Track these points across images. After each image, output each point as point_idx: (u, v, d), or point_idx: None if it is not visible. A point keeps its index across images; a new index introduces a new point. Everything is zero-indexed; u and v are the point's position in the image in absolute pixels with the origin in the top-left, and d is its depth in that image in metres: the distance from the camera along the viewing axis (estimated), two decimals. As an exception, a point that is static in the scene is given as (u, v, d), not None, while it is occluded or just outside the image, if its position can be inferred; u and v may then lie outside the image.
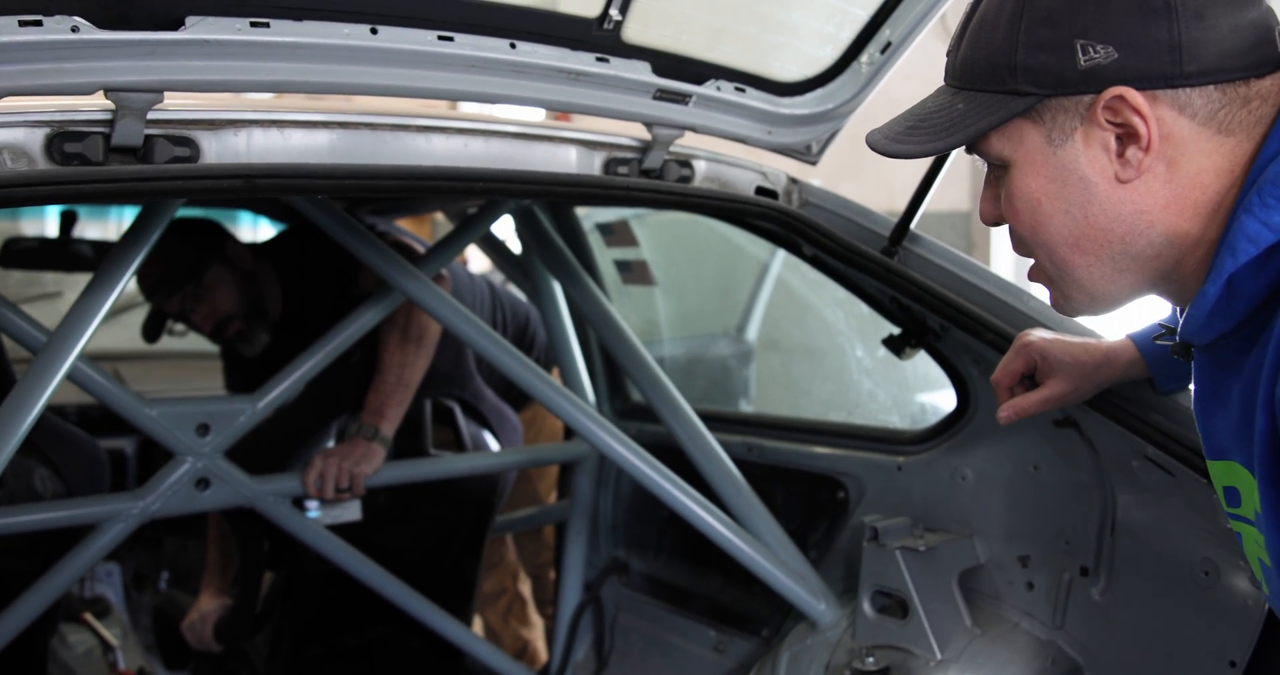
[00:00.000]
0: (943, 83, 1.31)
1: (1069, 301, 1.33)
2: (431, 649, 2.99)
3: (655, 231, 3.51)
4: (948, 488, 2.31)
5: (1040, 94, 1.19)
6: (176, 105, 1.65)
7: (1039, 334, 1.80)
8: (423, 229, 5.67)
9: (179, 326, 3.03)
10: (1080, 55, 1.15)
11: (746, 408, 4.08)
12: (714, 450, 2.52)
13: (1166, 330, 1.64)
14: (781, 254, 3.96)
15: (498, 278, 3.76)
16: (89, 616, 3.19)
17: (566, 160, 1.98)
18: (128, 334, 4.22)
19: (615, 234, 2.91)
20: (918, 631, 2.18)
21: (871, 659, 2.20)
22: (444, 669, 3.13)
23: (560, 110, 1.91)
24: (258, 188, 1.63)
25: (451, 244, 2.65)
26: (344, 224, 2.37)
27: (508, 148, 1.90)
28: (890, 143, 1.30)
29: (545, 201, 2.50)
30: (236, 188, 1.62)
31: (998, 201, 1.31)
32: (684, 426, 2.54)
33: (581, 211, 3.05)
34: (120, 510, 2.39)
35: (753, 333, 4.10)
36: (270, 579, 2.96)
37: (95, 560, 2.42)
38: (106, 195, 1.58)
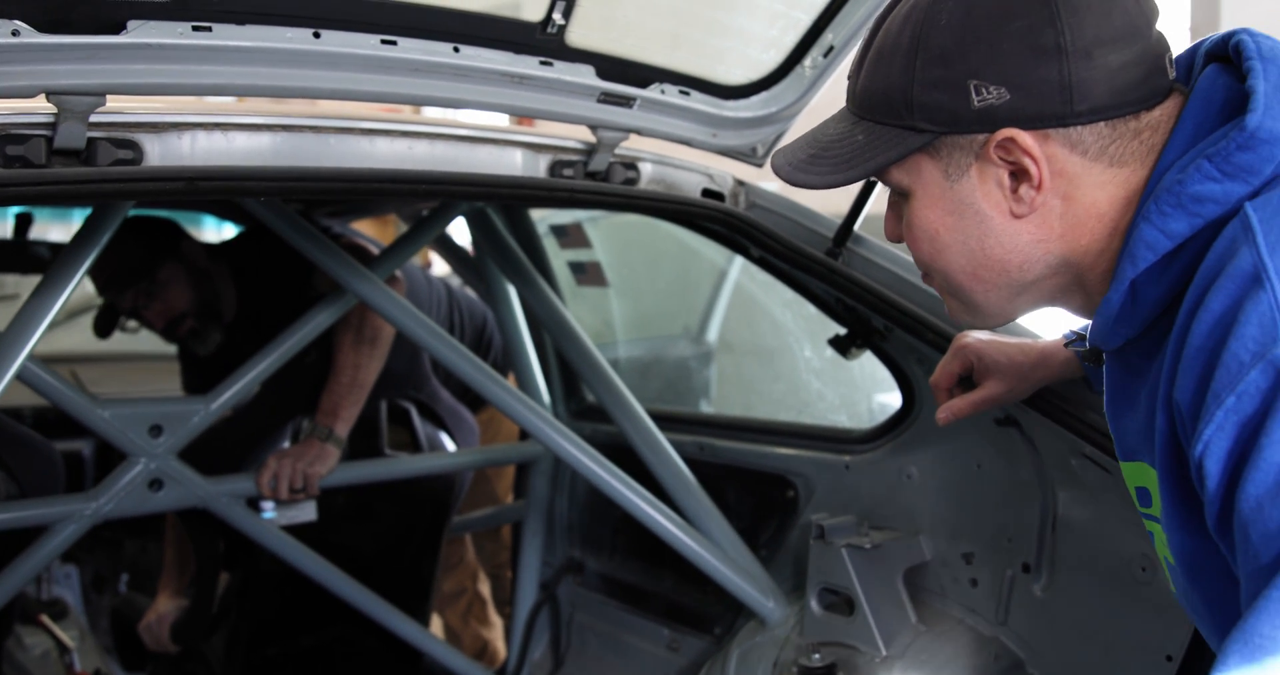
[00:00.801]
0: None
1: (964, 318, 1.37)
2: (389, 649, 3.01)
3: (610, 233, 3.54)
4: (894, 486, 2.34)
5: (935, 131, 1.22)
6: (120, 107, 1.66)
7: (976, 336, 1.83)
8: (386, 232, 5.68)
9: (132, 323, 3.02)
10: (974, 95, 1.17)
11: (707, 408, 4.11)
12: (665, 450, 2.54)
13: (1078, 336, 1.67)
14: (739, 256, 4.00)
15: (457, 281, 3.77)
16: (45, 618, 3.17)
17: (512, 163, 2.00)
18: (85, 336, 4.21)
19: (569, 236, 2.93)
20: (863, 628, 2.20)
21: (818, 656, 2.23)
22: (401, 669, 3.14)
23: (504, 113, 1.93)
24: (199, 190, 1.64)
25: (405, 246, 2.66)
26: (295, 226, 2.38)
27: (452, 150, 1.91)
28: (794, 171, 1.32)
29: (490, 203, 2.52)
30: (177, 190, 1.63)
31: (900, 223, 1.35)
32: (636, 427, 2.56)
33: (536, 214, 3.07)
34: (72, 511, 2.39)
35: (713, 334, 4.12)
36: (226, 579, 2.97)
37: (48, 561, 2.43)
38: (47, 197, 1.59)
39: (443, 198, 2.05)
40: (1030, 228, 1.23)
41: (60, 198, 1.61)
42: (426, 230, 2.68)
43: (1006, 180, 1.21)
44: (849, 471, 2.43)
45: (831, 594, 2.27)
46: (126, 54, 1.57)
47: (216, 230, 4.72)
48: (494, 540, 3.73)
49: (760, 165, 2.27)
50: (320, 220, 2.94)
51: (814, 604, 2.28)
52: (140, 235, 2.85)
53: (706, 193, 2.26)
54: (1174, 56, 1.24)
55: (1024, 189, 1.20)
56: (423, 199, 2.38)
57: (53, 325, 4.25)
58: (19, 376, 2.24)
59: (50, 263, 3.33)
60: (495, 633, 3.81)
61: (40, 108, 1.59)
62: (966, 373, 1.83)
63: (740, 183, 2.33)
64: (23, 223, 3.25)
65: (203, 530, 2.78)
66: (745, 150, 2.21)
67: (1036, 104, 1.17)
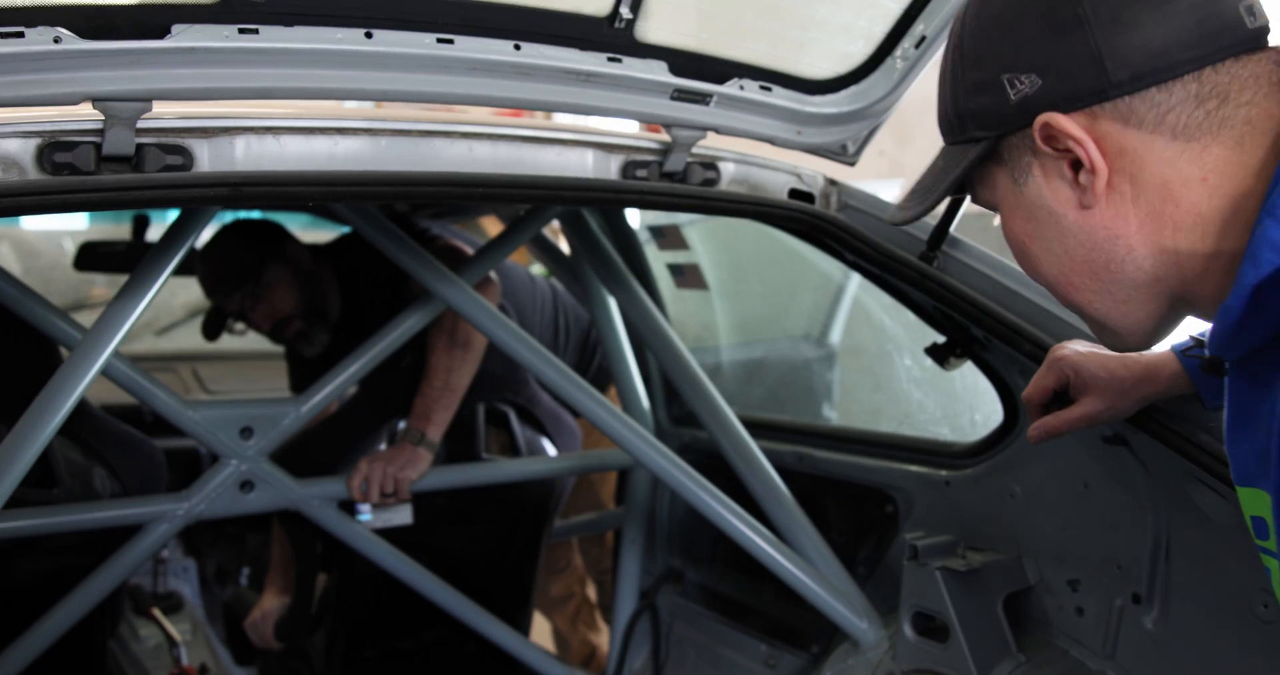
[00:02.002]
0: None
1: (1103, 339, 1.27)
2: (488, 654, 2.97)
3: (715, 234, 3.44)
4: (996, 505, 2.19)
5: (988, 137, 1.16)
6: (170, 113, 1.63)
7: (1074, 347, 1.69)
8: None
9: (240, 326, 3.05)
10: (1009, 90, 1.12)
11: (830, 413, 3.98)
12: (759, 463, 2.45)
13: (1196, 343, 1.52)
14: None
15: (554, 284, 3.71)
16: (157, 611, 3.23)
17: (581, 164, 1.92)
18: (206, 336, 4.31)
19: (666, 237, 2.85)
20: (958, 656, 2.07)
21: (909, 684, 2.11)
22: (502, 673, 3.10)
23: (570, 112, 1.85)
24: (244, 196, 1.61)
25: (497, 248, 2.61)
26: (382, 229, 2.35)
27: (516, 152, 1.85)
28: (896, 212, 1.30)
29: (555, 206, 2.45)
30: (223, 196, 1.60)
31: None
32: (730, 438, 2.47)
33: (634, 216, 3.00)
34: (165, 511, 2.41)
35: (836, 336, 3.99)
36: (325, 579, 2.97)
37: (142, 559, 2.45)
38: (92, 205, 1.58)
39: (502, 202, 1.99)
40: (1104, 220, 1.13)
41: (105, 205, 1.59)
42: (520, 233, 2.63)
43: (1067, 171, 1.13)
44: (949, 488, 2.29)
45: (926, 618, 2.14)
46: (171, 59, 1.55)
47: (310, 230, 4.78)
48: (599, 545, 3.67)
49: (852, 163, 2.15)
50: (419, 222, 2.91)
51: (907, 628, 2.15)
52: (245, 238, 2.88)
53: (794, 193, 2.15)
54: None
55: (1084, 176, 1.11)
56: (481, 203, 2.33)
57: (173, 325, 4.38)
58: (113, 378, 2.27)
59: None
60: (603, 638, 3.76)
61: (89, 115, 1.57)
62: (1062, 387, 1.70)
63: (832, 182, 2.21)
64: (140, 224, 3.31)
65: (300, 531, 2.78)
66: (834, 148, 2.09)
67: (1069, 83, 1.09)
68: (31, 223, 5.83)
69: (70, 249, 5.49)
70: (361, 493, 2.58)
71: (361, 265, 2.91)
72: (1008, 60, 1.11)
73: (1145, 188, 1.10)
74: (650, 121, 1.90)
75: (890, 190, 5.41)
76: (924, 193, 1.25)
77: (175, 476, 2.74)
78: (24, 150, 1.57)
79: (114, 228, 4.97)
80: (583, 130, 1.96)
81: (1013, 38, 1.11)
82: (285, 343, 3.02)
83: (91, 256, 3.58)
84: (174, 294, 4.49)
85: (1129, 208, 1.11)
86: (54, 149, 1.57)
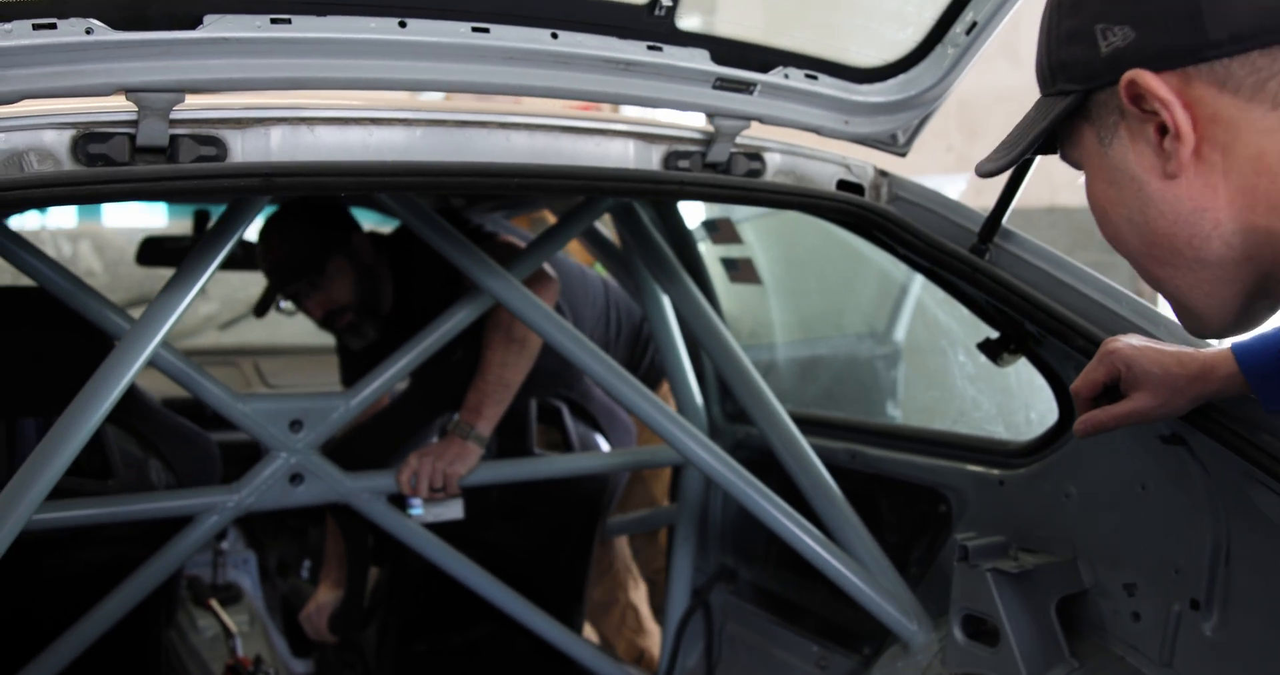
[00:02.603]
0: None
1: (1185, 324, 1.19)
2: (539, 650, 2.96)
3: (773, 229, 3.39)
4: (1050, 506, 2.13)
5: (1075, 90, 1.08)
6: (203, 104, 1.64)
7: (1127, 341, 1.63)
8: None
9: (288, 305, 3.04)
10: (1101, 41, 1.04)
11: (895, 412, 3.92)
12: (810, 460, 2.40)
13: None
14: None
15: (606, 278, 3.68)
16: (214, 603, 3.27)
17: (621, 154, 1.89)
18: (267, 330, 4.34)
19: (719, 231, 2.81)
20: (1008, 660, 2.01)
21: (958, 688, 2.05)
22: (552, 671, 3.08)
23: (609, 102, 1.82)
24: (276, 187, 1.60)
25: (548, 242, 2.59)
26: (429, 222, 2.35)
27: (554, 142, 1.82)
28: (982, 163, 1.22)
29: (591, 197, 2.42)
30: (254, 187, 1.60)
31: None
32: (780, 435, 2.43)
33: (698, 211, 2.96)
34: (216, 503, 2.42)
35: (900, 334, 3.92)
36: (377, 573, 2.98)
37: (193, 550, 2.47)
38: (126, 196, 1.58)
39: (538, 192, 1.97)
40: (1190, 191, 1.05)
41: (138, 196, 1.59)
42: (571, 226, 2.61)
43: (1153, 135, 1.04)
44: (1003, 488, 2.23)
45: (977, 621, 2.08)
46: (203, 49, 1.55)
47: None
48: (651, 544, 3.63)
49: (903, 154, 2.10)
50: (474, 218, 2.90)
51: (957, 631, 2.10)
52: (312, 226, 2.87)
53: (843, 185, 2.10)
54: None
55: (1169, 142, 1.03)
56: (516, 193, 2.31)
57: (236, 320, 4.42)
58: (164, 369, 2.28)
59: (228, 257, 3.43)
60: (652, 641, 3.71)
61: (123, 106, 1.58)
62: (1113, 381, 1.63)
63: (883, 174, 2.16)
64: (201, 219, 3.34)
65: (351, 524, 2.78)
66: (883, 138, 2.04)
67: (1164, 39, 1.01)
68: (111, 219, 5.95)
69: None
70: (410, 487, 2.58)
71: (416, 259, 2.90)
72: (1102, 8, 1.04)
73: (1238, 159, 1.02)
74: (692, 111, 1.87)
75: (957, 186, 5.29)
76: (1011, 145, 1.19)
77: (234, 470, 2.76)
78: (59, 142, 1.58)
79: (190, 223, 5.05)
80: (625, 120, 1.93)
81: None
82: (334, 332, 3.02)
83: (154, 251, 3.62)
84: (237, 289, 4.54)
85: (1219, 179, 1.03)
86: (89, 140, 1.58)
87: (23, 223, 5.33)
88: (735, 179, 1.95)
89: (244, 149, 1.65)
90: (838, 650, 2.60)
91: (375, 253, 2.96)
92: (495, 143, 1.78)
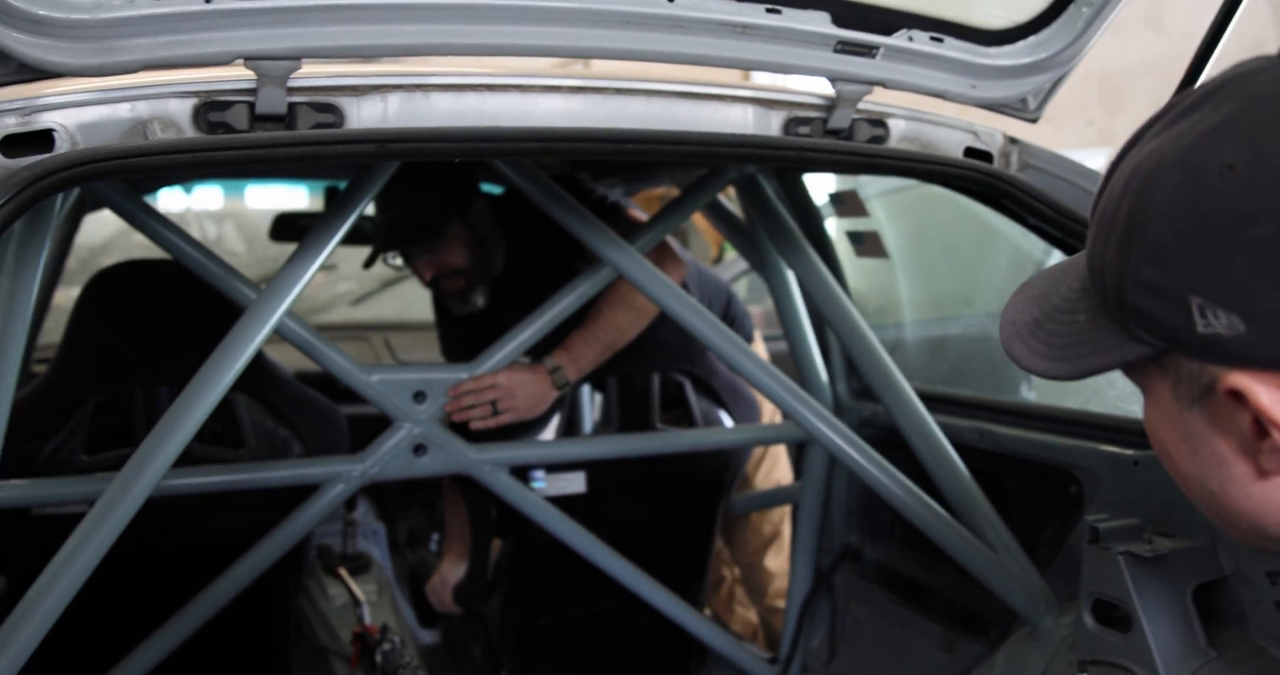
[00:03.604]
0: None
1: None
2: (660, 627, 2.95)
3: (904, 208, 3.31)
4: (1189, 488, 2.04)
5: (1154, 346, 0.91)
6: (321, 72, 1.65)
7: None
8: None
9: (397, 261, 3.05)
10: (1197, 317, 0.85)
11: (1028, 393, 3.80)
12: (937, 439, 2.34)
13: None
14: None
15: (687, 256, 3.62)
16: (343, 571, 3.33)
17: (741, 120, 1.85)
18: (397, 305, 4.41)
19: (845, 203, 2.75)
20: (1140, 648, 1.92)
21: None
22: (674, 647, 3.08)
23: (726, 66, 1.78)
24: (390, 153, 1.61)
25: (671, 215, 2.57)
26: (548, 192, 2.34)
27: (671, 108, 1.79)
28: (1015, 334, 1.04)
29: (709, 164, 2.38)
30: (369, 153, 1.61)
31: None
32: (906, 413, 2.37)
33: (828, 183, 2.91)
34: (341, 472, 2.46)
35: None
36: (500, 546, 3.00)
37: (319, 518, 2.51)
38: (244, 162, 1.60)
39: (653, 159, 1.94)
40: None
41: (255, 162, 1.61)
42: (693, 198, 2.58)
43: (1248, 429, 0.88)
44: (1137, 469, 2.14)
45: (1108, 606, 2.00)
46: (320, 16, 1.55)
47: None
48: (744, 528, 3.57)
49: (1034, 120, 2.02)
50: (597, 189, 2.89)
51: (1087, 616, 2.02)
52: (434, 190, 2.84)
53: (970, 152, 2.03)
54: None
55: (1269, 445, 0.87)
56: (630, 159, 2.28)
57: (367, 295, 4.49)
58: (291, 340, 2.33)
59: (359, 233, 3.48)
60: (756, 617, 3.68)
61: (243, 75, 1.60)
62: None
63: (1013, 141, 2.08)
64: (332, 195, 3.39)
65: (474, 496, 2.80)
66: (1013, 103, 1.97)
67: None
68: (253, 200, 6.11)
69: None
70: (452, 407, 2.53)
71: (530, 227, 2.88)
72: (1205, 282, 0.84)
73: None
74: (812, 75, 1.82)
75: (1098, 161, 5.10)
76: (1055, 346, 1.00)
77: (362, 442, 2.81)
78: (182, 110, 1.61)
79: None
80: (744, 86, 1.89)
81: (1218, 260, 0.84)
82: (438, 294, 3.01)
83: (287, 227, 3.69)
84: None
85: None
86: (209, 108, 1.61)
87: (169, 204, 5.52)
88: (858, 145, 1.90)
89: (360, 116, 1.66)
90: (964, 634, 2.53)
91: (492, 219, 2.95)
92: (612, 109, 1.76)
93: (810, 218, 2.84)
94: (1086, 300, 0.98)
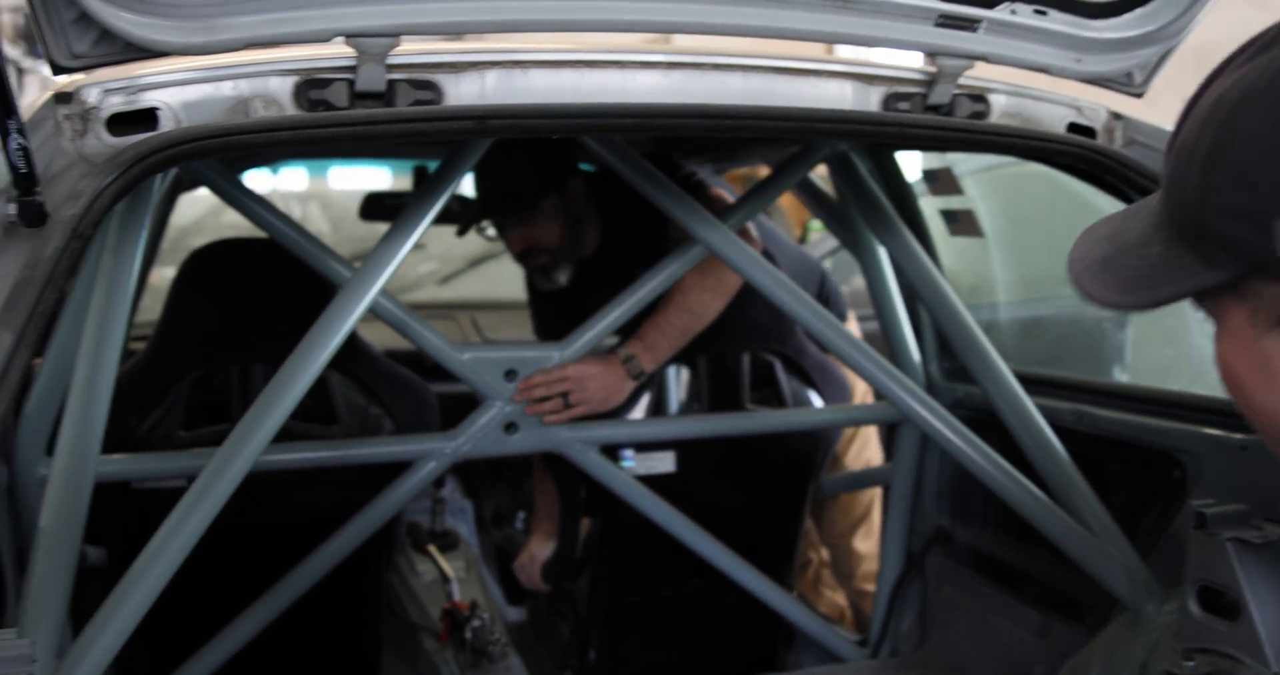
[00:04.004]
0: None
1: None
2: (748, 608, 2.94)
3: (998, 188, 3.25)
4: (1299, 472, 1.98)
5: (1232, 271, 0.91)
6: (419, 49, 1.65)
7: None
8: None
9: (491, 231, 3.05)
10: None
11: (1122, 376, 3.73)
12: (1035, 421, 2.31)
13: None
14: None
15: (781, 235, 3.57)
16: (433, 548, 3.36)
17: (839, 96, 1.82)
18: (485, 284, 4.42)
19: (939, 182, 2.70)
20: (1249, 637, 1.87)
21: (1192, 664, 1.93)
22: (763, 628, 3.06)
23: (826, 41, 1.75)
24: (489, 129, 1.61)
25: (762, 193, 2.55)
26: (639, 169, 2.33)
27: (769, 83, 1.77)
28: (1084, 271, 1.03)
29: (807, 140, 2.35)
30: (468, 129, 1.61)
31: None
32: (1003, 394, 2.34)
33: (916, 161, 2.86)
34: (434, 449, 2.48)
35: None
36: (589, 525, 3.00)
37: (411, 495, 2.53)
38: (344, 139, 1.61)
39: (752, 135, 1.92)
40: None
41: (355, 139, 1.62)
42: (784, 177, 2.56)
43: None
44: (1245, 453, 2.08)
45: (1215, 594, 1.95)
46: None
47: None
48: (833, 508, 3.54)
49: (1139, 95, 1.97)
50: (685, 166, 2.87)
51: (1193, 604, 1.97)
52: (533, 161, 2.81)
53: (1073, 128, 1.98)
54: None
55: None
56: (728, 135, 2.26)
57: (454, 274, 4.51)
58: (385, 319, 2.34)
59: (449, 213, 3.49)
60: (844, 600, 3.65)
61: (342, 52, 1.60)
62: None
63: (1117, 116, 2.03)
64: (420, 175, 3.41)
65: (564, 475, 2.81)
66: (1118, 77, 1.91)
67: None
68: (336, 180, 6.18)
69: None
70: (521, 394, 2.50)
71: (622, 205, 2.87)
72: None
73: None
74: (913, 50, 1.79)
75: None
76: (1126, 278, 0.99)
77: (451, 421, 2.82)
78: (283, 88, 1.62)
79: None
80: (842, 60, 1.86)
81: None
82: (526, 267, 3.01)
83: (376, 207, 3.72)
84: (454, 245, 4.64)
85: None
86: (310, 86, 1.62)
87: (255, 185, 5.59)
88: (959, 121, 1.86)
89: (458, 92, 1.66)
90: (1059, 619, 2.49)
91: (588, 198, 2.94)
92: (709, 84, 1.74)
93: (903, 196, 2.79)
94: (1161, 234, 0.98)
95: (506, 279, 4.33)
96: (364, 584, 2.82)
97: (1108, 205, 2.18)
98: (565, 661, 3.11)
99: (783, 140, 2.49)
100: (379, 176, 6.55)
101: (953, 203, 2.74)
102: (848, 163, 2.54)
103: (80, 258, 1.48)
